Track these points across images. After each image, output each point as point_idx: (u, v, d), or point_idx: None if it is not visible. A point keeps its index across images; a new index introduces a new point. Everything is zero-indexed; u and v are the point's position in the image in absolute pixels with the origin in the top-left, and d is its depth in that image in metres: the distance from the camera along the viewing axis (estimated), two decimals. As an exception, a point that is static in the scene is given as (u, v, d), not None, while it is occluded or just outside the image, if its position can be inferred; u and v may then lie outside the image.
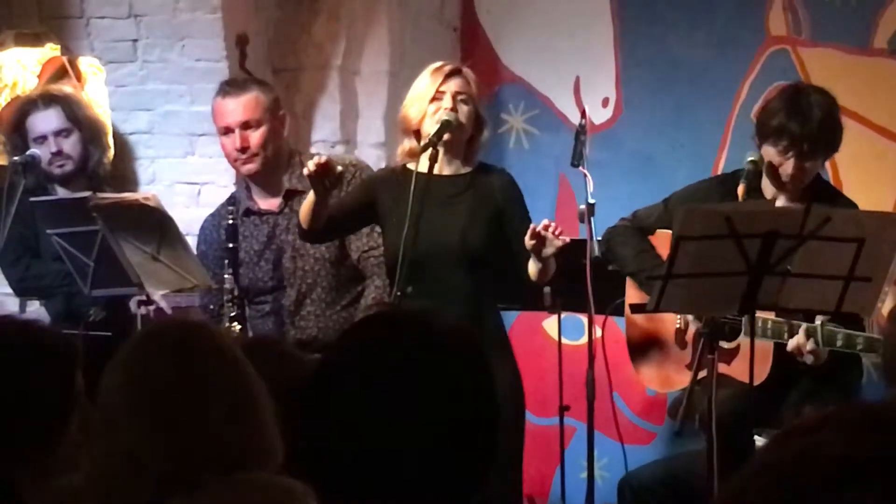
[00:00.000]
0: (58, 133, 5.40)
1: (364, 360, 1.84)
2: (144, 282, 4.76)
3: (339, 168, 4.50)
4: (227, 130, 4.98)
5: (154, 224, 4.82)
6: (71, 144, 5.43)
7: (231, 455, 2.24)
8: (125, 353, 2.37)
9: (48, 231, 4.90)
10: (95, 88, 6.02)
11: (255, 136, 4.95)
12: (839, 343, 4.47)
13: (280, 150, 5.03)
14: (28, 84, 6.07)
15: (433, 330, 1.89)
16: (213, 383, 2.27)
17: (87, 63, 6.03)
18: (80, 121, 5.46)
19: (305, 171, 4.47)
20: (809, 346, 4.48)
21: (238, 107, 4.97)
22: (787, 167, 4.65)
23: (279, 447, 2.23)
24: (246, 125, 4.95)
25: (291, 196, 5.03)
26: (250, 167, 4.98)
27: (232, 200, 5.03)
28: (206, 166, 5.95)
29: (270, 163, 4.99)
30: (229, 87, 5.08)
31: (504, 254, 4.61)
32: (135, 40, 5.92)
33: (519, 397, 4.64)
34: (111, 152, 5.67)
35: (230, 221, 4.97)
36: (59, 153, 5.39)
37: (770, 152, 4.67)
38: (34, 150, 5.34)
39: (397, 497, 1.79)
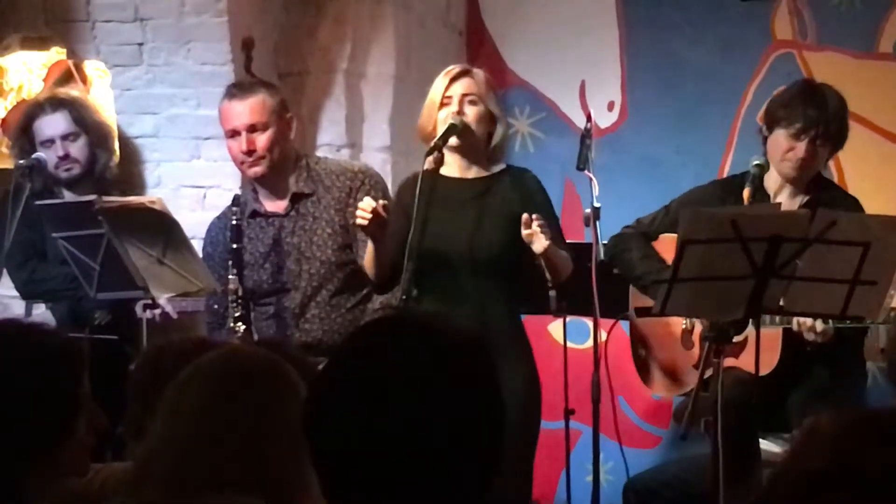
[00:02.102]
0: (65, 137, 5.41)
1: (368, 365, 1.84)
2: (150, 285, 4.76)
3: (383, 202, 4.51)
4: (233, 133, 4.98)
5: (159, 227, 4.82)
6: (78, 148, 5.43)
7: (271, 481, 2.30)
8: (212, 363, 2.40)
9: (54, 234, 4.90)
10: (101, 92, 6.03)
11: (262, 139, 4.95)
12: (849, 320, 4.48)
13: (286, 152, 5.03)
14: (34, 87, 6.08)
15: (438, 334, 1.89)
16: (283, 420, 2.32)
17: (92, 66, 6.04)
18: (87, 125, 5.46)
19: (359, 222, 4.48)
20: (819, 325, 4.49)
21: (245, 109, 4.96)
22: (799, 150, 4.67)
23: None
24: (252, 128, 4.94)
25: (298, 199, 5.03)
26: (257, 170, 4.98)
27: (236, 202, 5.03)
28: (211, 170, 5.95)
29: (277, 166, 4.99)
30: (236, 90, 5.08)
31: (526, 256, 4.60)
32: (140, 44, 5.92)
33: (532, 405, 4.63)
34: (117, 156, 5.66)
35: (234, 222, 4.97)
36: (66, 157, 5.39)
37: (780, 137, 4.69)
38: (40, 154, 5.34)
39: (401, 501, 1.79)
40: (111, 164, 5.56)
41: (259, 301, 5.08)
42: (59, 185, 5.46)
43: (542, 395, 4.71)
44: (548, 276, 4.52)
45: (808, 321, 4.53)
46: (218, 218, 5.27)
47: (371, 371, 1.82)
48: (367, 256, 4.66)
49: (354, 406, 1.81)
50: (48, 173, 5.39)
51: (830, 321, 4.50)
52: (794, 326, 4.56)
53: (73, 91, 5.74)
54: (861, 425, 1.36)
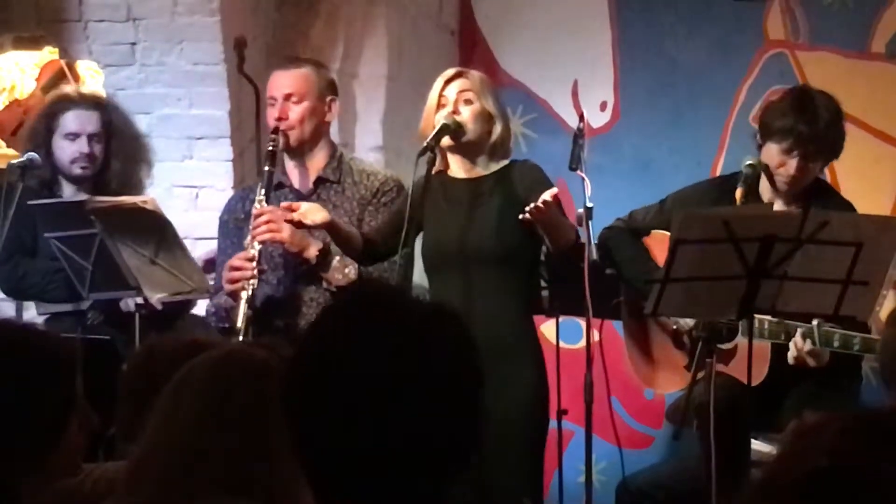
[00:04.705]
0: (92, 136, 5.35)
1: (339, 343, 1.84)
2: (142, 285, 4.76)
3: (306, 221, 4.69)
4: (272, 101, 5.02)
5: (152, 227, 4.82)
6: (100, 150, 5.38)
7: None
8: (210, 364, 2.40)
9: (46, 234, 4.90)
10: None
11: (295, 110, 4.97)
12: (836, 343, 4.48)
13: (319, 132, 5.03)
14: (26, 87, 6.07)
15: (407, 307, 1.90)
16: (278, 422, 2.32)
17: (85, 66, 6.03)
18: (112, 131, 5.40)
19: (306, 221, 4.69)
20: (807, 346, 4.49)
21: (285, 79, 5.01)
22: (790, 167, 4.65)
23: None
24: (288, 97, 4.98)
25: (322, 184, 5.02)
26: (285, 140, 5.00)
27: (275, 130, 5.03)
28: (204, 170, 5.95)
29: (307, 141, 4.99)
30: (285, 62, 5.18)
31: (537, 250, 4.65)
32: (133, 43, 5.92)
33: (539, 404, 4.63)
34: (147, 171, 5.54)
35: (270, 148, 4.96)
36: (88, 155, 5.33)
37: (773, 151, 4.67)
38: (32, 154, 5.31)
39: (378, 478, 1.80)
40: (122, 175, 5.44)
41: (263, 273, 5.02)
42: (60, 181, 5.41)
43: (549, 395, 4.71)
44: (547, 242, 4.50)
45: (799, 346, 4.51)
46: (242, 189, 5.32)
47: (340, 349, 1.83)
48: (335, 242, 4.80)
49: (324, 386, 1.81)
50: (57, 167, 5.35)
51: (818, 344, 4.49)
52: (792, 352, 4.54)
53: (105, 95, 5.66)
54: (861, 425, 1.37)
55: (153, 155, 5.52)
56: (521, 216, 4.38)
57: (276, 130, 4.97)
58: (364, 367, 1.80)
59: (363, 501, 1.81)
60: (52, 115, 5.38)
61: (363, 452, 1.79)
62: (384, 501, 1.81)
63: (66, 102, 5.41)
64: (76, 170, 5.35)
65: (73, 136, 5.33)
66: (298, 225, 4.70)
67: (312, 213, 4.69)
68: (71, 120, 5.35)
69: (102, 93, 5.62)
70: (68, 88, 5.64)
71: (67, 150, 5.32)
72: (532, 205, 4.32)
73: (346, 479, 1.81)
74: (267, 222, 4.79)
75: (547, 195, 4.33)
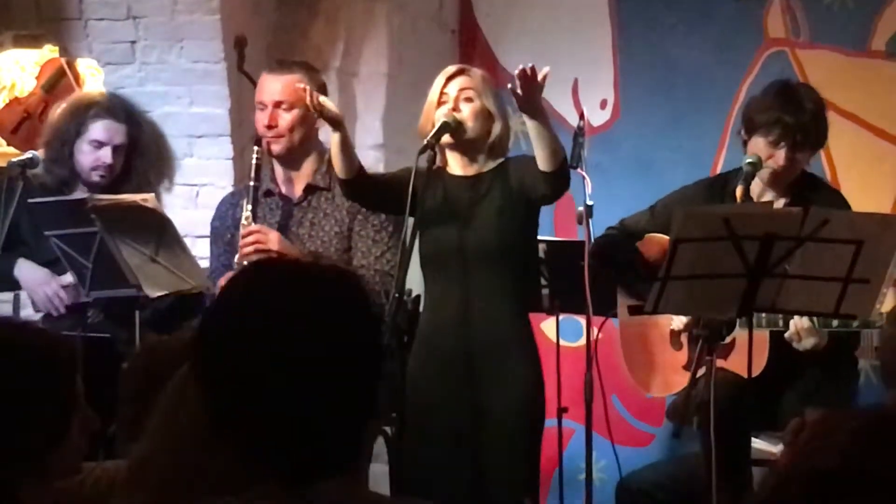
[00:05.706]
0: (117, 147, 5.33)
1: (236, 310, 1.91)
2: (142, 284, 4.76)
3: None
4: (261, 106, 5.00)
5: (152, 226, 4.81)
6: (120, 161, 5.35)
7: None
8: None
9: (46, 232, 4.89)
10: (94, 90, 6.02)
11: (285, 118, 4.95)
12: (835, 323, 4.49)
13: (309, 139, 5.02)
14: (26, 86, 6.08)
15: (306, 274, 1.95)
16: None
17: (85, 65, 6.04)
18: (139, 146, 5.38)
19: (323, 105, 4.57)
20: (805, 322, 4.51)
21: (276, 85, 4.97)
22: (778, 158, 4.70)
23: None
24: (278, 104, 4.95)
25: (312, 191, 5.02)
26: (275, 147, 4.98)
27: (258, 142, 5.01)
28: (204, 168, 5.95)
29: (296, 149, 4.98)
30: (276, 65, 5.14)
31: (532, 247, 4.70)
32: (133, 42, 5.92)
33: (534, 406, 4.62)
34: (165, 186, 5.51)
35: (254, 161, 4.95)
36: (108, 166, 5.30)
37: (759, 144, 4.72)
38: (34, 152, 5.30)
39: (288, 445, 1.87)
40: (138, 191, 5.41)
41: None
42: (76, 183, 5.38)
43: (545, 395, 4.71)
44: (537, 150, 4.45)
45: (803, 322, 4.52)
46: (231, 194, 5.32)
47: (238, 317, 1.89)
48: (333, 148, 4.65)
49: (231, 356, 1.89)
50: (76, 169, 5.33)
51: (817, 325, 4.51)
52: (791, 329, 4.57)
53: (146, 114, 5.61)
54: (873, 426, 1.37)
55: (177, 171, 5.49)
56: (509, 86, 4.36)
57: (258, 142, 4.96)
58: (262, 339, 1.86)
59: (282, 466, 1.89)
60: (83, 119, 5.34)
61: (271, 420, 1.86)
62: (305, 468, 1.88)
63: (99, 110, 5.37)
64: (94, 177, 5.33)
65: (98, 145, 5.31)
66: (314, 101, 4.57)
67: (328, 104, 4.62)
68: (99, 128, 5.32)
69: (138, 107, 5.55)
70: (99, 95, 5.60)
71: (89, 157, 5.30)
72: (520, 67, 4.34)
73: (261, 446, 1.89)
74: (254, 242, 4.79)
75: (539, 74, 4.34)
